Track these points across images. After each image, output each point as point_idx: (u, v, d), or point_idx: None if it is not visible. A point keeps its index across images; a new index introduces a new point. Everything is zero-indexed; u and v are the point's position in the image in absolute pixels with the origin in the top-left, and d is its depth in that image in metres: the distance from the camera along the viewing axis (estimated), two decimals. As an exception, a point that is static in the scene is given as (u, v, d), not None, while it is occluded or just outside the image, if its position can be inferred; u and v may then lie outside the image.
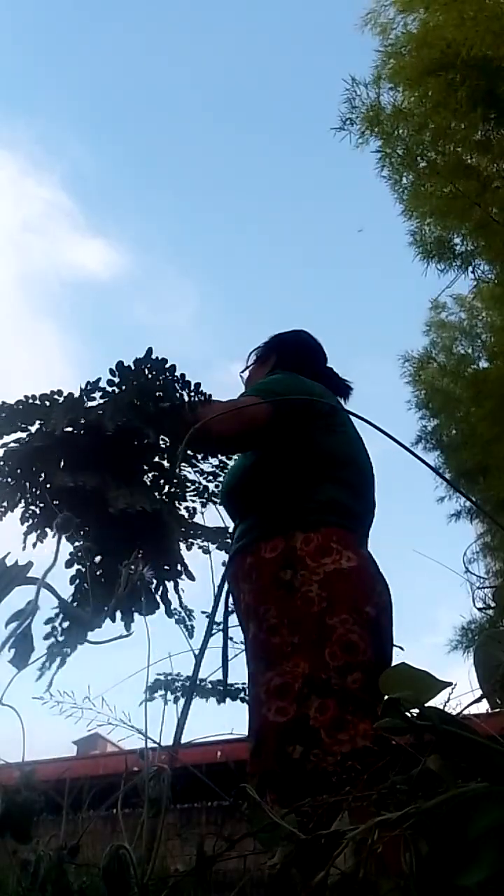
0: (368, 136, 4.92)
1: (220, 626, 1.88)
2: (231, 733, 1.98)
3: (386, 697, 0.74)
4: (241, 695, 1.98)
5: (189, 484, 1.66)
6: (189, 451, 1.72)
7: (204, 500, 1.65)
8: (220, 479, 1.80)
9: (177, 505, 1.57)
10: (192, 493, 1.65)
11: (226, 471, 1.80)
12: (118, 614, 1.40)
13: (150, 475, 1.55)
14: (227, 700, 2.05)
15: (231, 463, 1.82)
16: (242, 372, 2.08)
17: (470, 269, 5.47)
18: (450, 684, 0.77)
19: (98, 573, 1.44)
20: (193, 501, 1.64)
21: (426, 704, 0.72)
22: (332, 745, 1.40)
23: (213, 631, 1.91)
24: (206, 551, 1.64)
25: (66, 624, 1.38)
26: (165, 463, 1.55)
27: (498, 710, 0.82)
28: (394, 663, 1.55)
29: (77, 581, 1.43)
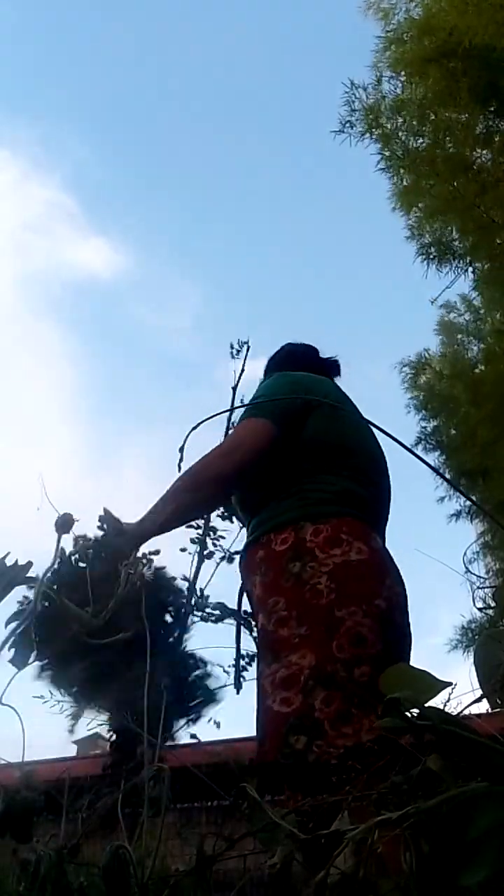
0: (368, 141, 4.91)
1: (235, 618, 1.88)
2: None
3: (386, 697, 0.74)
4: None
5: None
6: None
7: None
8: None
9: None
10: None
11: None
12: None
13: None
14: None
15: None
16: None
17: (469, 269, 5.45)
18: (450, 684, 0.77)
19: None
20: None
21: (426, 704, 0.72)
22: (335, 738, 1.38)
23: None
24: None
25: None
26: None
27: (498, 710, 0.82)
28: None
29: None
